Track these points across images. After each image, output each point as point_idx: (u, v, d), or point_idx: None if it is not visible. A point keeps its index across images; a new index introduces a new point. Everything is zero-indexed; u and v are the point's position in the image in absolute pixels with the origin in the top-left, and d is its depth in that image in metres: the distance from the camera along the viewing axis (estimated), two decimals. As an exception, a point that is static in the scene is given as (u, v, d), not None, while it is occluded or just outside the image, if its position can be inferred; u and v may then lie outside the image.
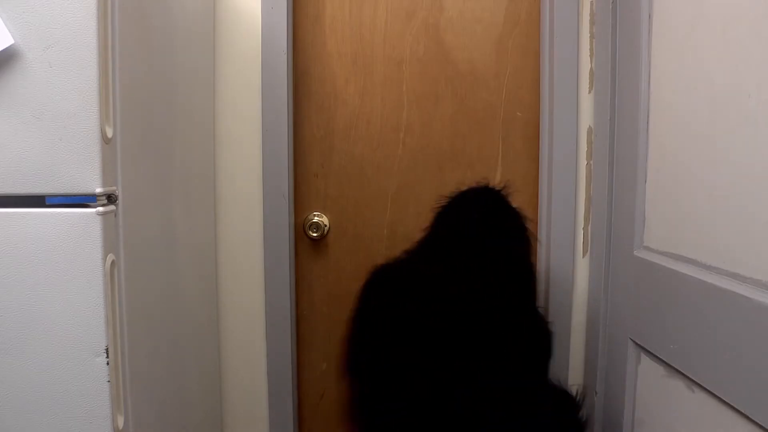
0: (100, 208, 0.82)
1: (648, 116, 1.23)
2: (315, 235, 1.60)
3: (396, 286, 1.16)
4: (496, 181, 1.61)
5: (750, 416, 0.87)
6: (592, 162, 1.50)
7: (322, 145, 1.62)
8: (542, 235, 1.57)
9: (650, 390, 1.22)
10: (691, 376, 1.04)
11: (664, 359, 1.14)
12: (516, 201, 1.62)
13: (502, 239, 1.14)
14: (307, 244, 1.64)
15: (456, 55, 1.60)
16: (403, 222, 1.62)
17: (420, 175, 1.62)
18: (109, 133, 0.84)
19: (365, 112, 1.61)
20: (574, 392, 1.19)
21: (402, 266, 1.20)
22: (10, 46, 0.78)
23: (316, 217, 1.61)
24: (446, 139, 1.61)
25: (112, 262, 0.85)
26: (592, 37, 1.49)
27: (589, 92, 1.50)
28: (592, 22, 1.49)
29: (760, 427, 0.84)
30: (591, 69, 1.49)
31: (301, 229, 1.63)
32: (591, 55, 1.49)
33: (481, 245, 1.12)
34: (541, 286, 1.58)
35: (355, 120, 1.61)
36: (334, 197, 1.63)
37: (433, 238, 1.19)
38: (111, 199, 0.86)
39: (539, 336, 1.20)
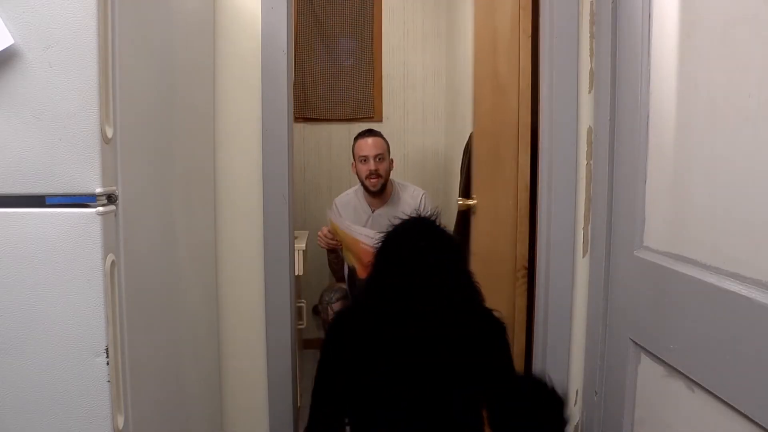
0: (100, 208, 0.82)
1: (648, 116, 1.23)
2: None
3: (361, 329, 1.27)
4: (505, 176, 1.69)
5: (750, 416, 0.87)
6: (592, 162, 1.50)
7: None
8: (542, 235, 1.57)
9: (650, 390, 1.22)
10: (691, 376, 1.04)
11: (664, 359, 1.14)
12: (509, 196, 1.69)
13: (444, 253, 1.28)
14: (307, 244, 1.64)
15: (498, 69, 1.77)
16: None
17: (486, 173, 1.74)
18: (109, 133, 0.84)
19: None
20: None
21: (362, 307, 1.33)
22: (10, 46, 0.78)
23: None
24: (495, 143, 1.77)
25: (112, 262, 0.85)
26: (592, 37, 1.49)
27: (589, 92, 1.50)
28: (592, 22, 1.49)
29: (760, 427, 0.84)
30: (591, 69, 1.49)
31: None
32: (591, 55, 1.49)
33: (425, 261, 1.25)
34: (540, 286, 1.58)
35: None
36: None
37: (382, 268, 1.31)
38: (111, 199, 0.86)
39: (493, 332, 1.29)
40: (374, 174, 2.38)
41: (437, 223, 1.33)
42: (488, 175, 1.86)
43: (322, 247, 2.42)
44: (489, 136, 1.84)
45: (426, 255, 1.25)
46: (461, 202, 2.01)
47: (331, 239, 2.31)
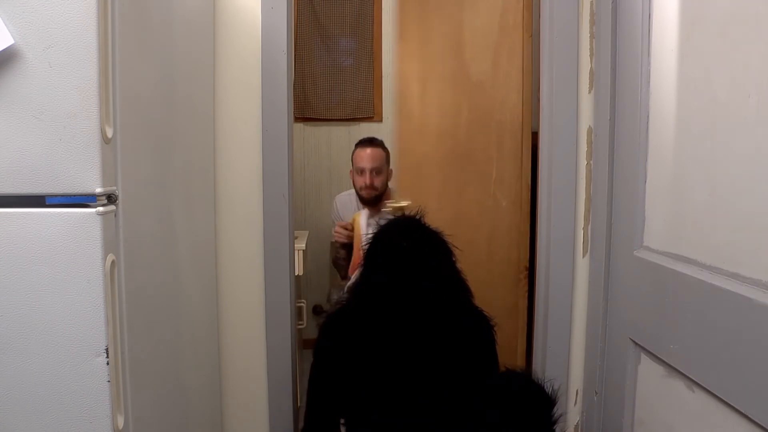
0: (100, 208, 0.82)
1: (648, 116, 1.23)
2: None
3: (351, 330, 1.28)
4: (493, 177, 1.64)
5: (750, 416, 0.87)
6: (592, 162, 1.50)
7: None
8: (542, 235, 1.57)
9: (650, 390, 1.22)
10: (691, 376, 1.04)
11: (664, 359, 1.14)
12: (507, 196, 1.66)
13: (429, 251, 1.28)
14: (307, 244, 1.64)
15: (471, 69, 1.67)
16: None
17: (445, 174, 1.67)
18: (109, 133, 0.84)
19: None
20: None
21: (351, 308, 1.33)
22: (10, 46, 0.78)
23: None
24: (462, 142, 1.68)
25: (112, 262, 0.85)
26: (592, 37, 1.49)
27: (589, 92, 1.50)
28: (592, 22, 1.49)
29: (760, 427, 0.84)
30: (591, 69, 1.49)
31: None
32: (591, 55, 1.49)
33: (409, 261, 1.26)
34: (540, 286, 1.58)
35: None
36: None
37: (368, 269, 1.32)
38: (111, 199, 0.86)
39: (482, 329, 1.30)
40: (369, 186, 2.38)
41: (422, 222, 1.33)
42: (442, 177, 1.81)
43: (341, 241, 2.41)
44: (447, 137, 1.79)
45: (409, 254, 1.26)
46: (392, 206, 1.83)
47: (351, 231, 2.30)
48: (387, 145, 2.39)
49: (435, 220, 1.66)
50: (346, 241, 2.39)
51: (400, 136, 1.93)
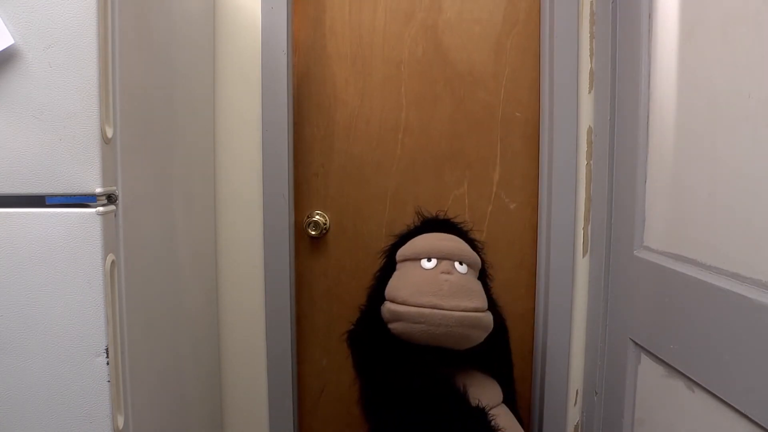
0: (100, 208, 0.82)
1: (648, 116, 1.23)
2: (315, 233, 1.60)
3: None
4: (495, 180, 1.62)
5: (750, 416, 0.87)
6: (592, 162, 1.50)
7: (322, 145, 1.62)
8: (542, 235, 1.57)
9: (650, 390, 1.22)
10: (691, 376, 1.04)
11: (664, 359, 1.14)
12: (515, 201, 1.63)
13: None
14: (307, 243, 1.64)
15: (454, 56, 1.60)
16: (401, 221, 1.62)
17: (419, 175, 1.62)
18: (109, 133, 0.84)
19: (364, 112, 1.61)
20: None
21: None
22: (10, 46, 0.78)
23: (316, 216, 1.61)
24: (445, 140, 1.61)
25: (112, 262, 0.85)
26: (592, 37, 1.49)
27: (589, 92, 1.50)
28: (592, 22, 1.49)
29: (760, 427, 0.84)
30: (591, 69, 1.49)
31: (301, 227, 1.63)
32: (591, 55, 1.49)
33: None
34: (541, 286, 1.58)
35: (354, 120, 1.61)
36: (334, 196, 1.63)
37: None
38: (111, 199, 0.86)
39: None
40: None
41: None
42: (395, 186, 1.67)
43: None
44: (412, 134, 1.61)
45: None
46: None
47: None
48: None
49: (396, 229, 1.62)
50: None
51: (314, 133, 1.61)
